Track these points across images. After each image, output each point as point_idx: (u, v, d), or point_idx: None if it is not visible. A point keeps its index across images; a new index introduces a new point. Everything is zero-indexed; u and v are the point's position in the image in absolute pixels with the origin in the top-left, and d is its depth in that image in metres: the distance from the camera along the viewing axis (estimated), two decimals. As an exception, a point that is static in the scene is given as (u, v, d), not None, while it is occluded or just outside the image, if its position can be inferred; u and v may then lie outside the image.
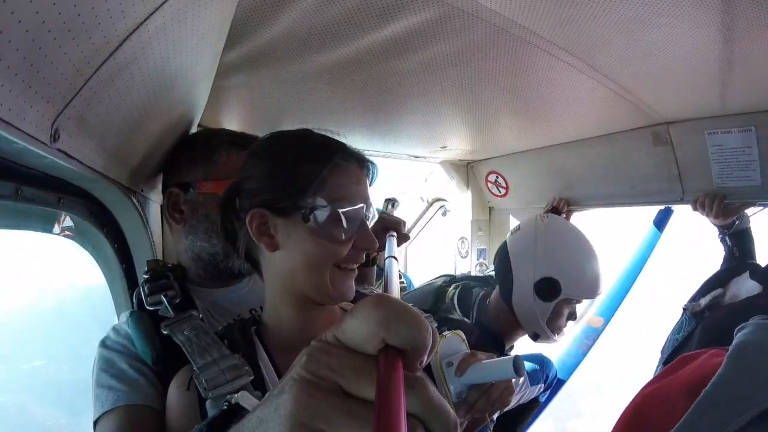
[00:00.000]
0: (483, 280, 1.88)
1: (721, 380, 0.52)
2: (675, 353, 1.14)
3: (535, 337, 1.58)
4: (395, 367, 0.31)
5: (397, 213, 2.68)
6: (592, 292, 1.51)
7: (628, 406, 0.73)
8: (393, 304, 0.33)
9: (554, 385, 1.92)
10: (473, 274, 2.40)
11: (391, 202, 2.71)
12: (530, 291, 1.49)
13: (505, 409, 1.77)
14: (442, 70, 1.33)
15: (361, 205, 0.78)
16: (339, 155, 0.77)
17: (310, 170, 0.76)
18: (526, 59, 1.28)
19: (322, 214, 0.74)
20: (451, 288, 1.79)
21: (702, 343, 1.04)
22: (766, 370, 0.50)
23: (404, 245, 1.21)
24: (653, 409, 0.66)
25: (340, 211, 0.75)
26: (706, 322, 1.11)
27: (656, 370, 1.20)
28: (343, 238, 0.76)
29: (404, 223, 1.24)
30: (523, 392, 1.80)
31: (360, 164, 0.81)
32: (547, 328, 1.52)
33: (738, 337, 0.57)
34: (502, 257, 1.61)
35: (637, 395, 0.74)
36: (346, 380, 0.32)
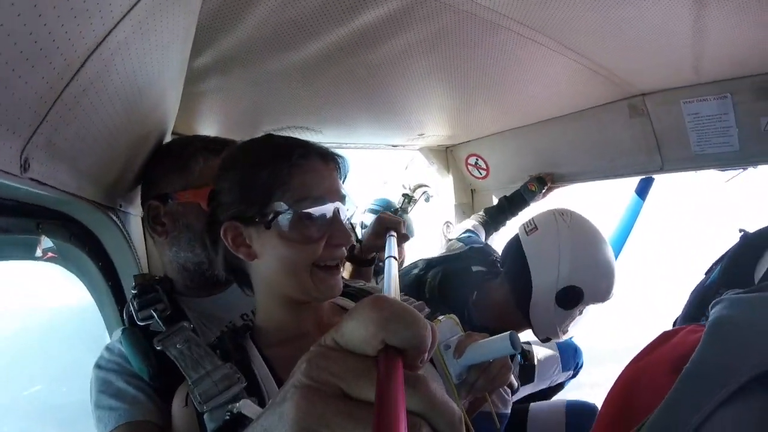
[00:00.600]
0: (461, 258, 1.74)
1: (699, 357, 0.53)
2: (696, 292, 1.14)
3: (546, 340, 1.52)
4: (395, 368, 0.31)
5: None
6: (609, 296, 1.44)
7: (614, 386, 0.74)
8: (391, 305, 0.33)
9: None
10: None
11: (408, 198, 2.73)
12: (551, 299, 1.41)
13: (539, 389, 1.78)
14: (413, 58, 1.32)
15: (330, 201, 0.77)
16: (296, 154, 0.76)
17: (269, 175, 0.75)
18: (496, 42, 1.27)
19: (285, 218, 0.74)
20: (429, 277, 1.65)
21: (722, 275, 1.03)
22: (742, 345, 0.51)
23: (404, 244, 1.21)
24: (640, 388, 0.66)
25: (305, 211, 0.74)
26: (727, 254, 1.11)
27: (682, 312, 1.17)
28: (315, 237, 0.76)
29: (404, 222, 1.25)
30: (556, 377, 1.83)
31: (324, 159, 0.80)
32: (560, 332, 1.47)
33: (713, 312, 0.58)
34: (517, 258, 1.48)
35: (621, 375, 0.74)
36: (346, 383, 0.32)
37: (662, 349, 0.70)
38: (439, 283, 1.61)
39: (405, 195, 2.66)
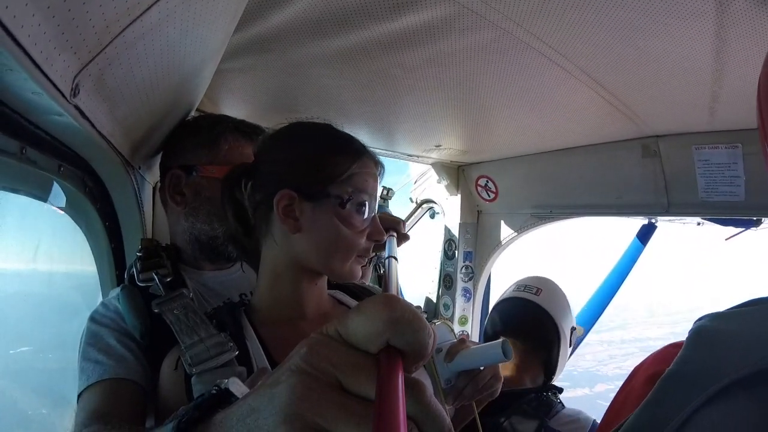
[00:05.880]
0: None
1: (684, 359, 0.53)
2: None
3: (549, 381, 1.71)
4: (397, 368, 0.31)
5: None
6: None
7: (612, 402, 0.75)
8: (402, 306, 0.33)
9: None
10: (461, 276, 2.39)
11: (387, 189, 2.78)
12: (568, 341, 1.66)
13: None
14: (445, 67, 1.34)
15: (374, 201, 0.87)
16: (362, 150, 0.87)
17: (342, 161, 0.83)
18: (526, 63, 1.30)
19: (353, 203, 0.82)
20: None
21: None
22: (725, 348, 0.52)
23: (403, 245, 1.25)
24: (628, 400, 0.67)
25: (365, 201, 0.83)
26: None
27: None
28: (363, 227, 0.84)
29: (404, 222, 1.27)
30: None
31: (375, 164, 0.90)
32: None
33: (695, 325, 0.59)
34: (544, 319, 1.64)
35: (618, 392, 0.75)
36: (345, 376, 0.32)
37: (643, 362, 0.71)
38: None
39: (384, 187, 2.75)
